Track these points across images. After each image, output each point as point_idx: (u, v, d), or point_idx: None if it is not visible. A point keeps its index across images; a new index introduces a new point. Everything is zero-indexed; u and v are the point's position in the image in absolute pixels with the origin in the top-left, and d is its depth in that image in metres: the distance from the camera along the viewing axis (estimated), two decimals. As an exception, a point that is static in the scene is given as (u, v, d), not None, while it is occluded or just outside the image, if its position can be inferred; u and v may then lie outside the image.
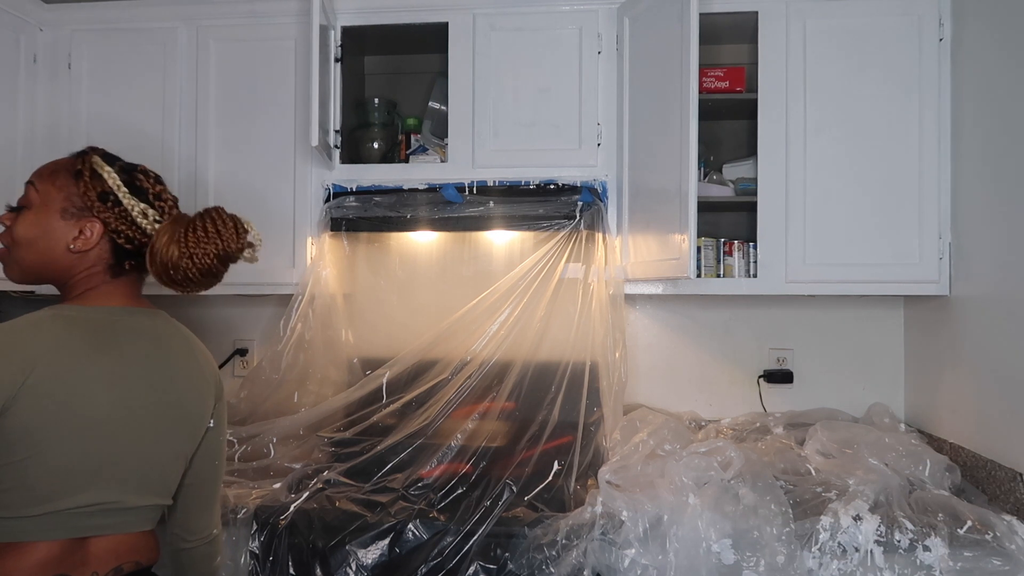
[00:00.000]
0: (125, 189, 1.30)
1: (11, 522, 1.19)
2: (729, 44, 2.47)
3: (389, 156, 2.44)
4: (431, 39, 2.38)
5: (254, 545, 1.88)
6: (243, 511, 1.91)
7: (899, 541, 1.70)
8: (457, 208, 2.19)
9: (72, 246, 1.29)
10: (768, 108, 2.18)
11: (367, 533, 1.84)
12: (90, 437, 1.23)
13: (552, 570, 1.77)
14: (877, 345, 2.48)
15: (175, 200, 1.36)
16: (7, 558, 1.18)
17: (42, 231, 1.29)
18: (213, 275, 1.31)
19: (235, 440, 2.31)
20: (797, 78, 2.17)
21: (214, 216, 1.30)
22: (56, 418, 1.19)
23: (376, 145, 2.41)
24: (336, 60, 2.31)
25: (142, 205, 1.31)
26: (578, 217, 2.15)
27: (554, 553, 1.78)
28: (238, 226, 1.32)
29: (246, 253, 1.34)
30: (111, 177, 1.30)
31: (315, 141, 2.10)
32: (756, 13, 2.19)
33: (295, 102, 2.31)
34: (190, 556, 1.45)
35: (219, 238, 1.29)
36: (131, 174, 1.33)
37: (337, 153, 2.32)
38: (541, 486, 1.99)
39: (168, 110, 2.36)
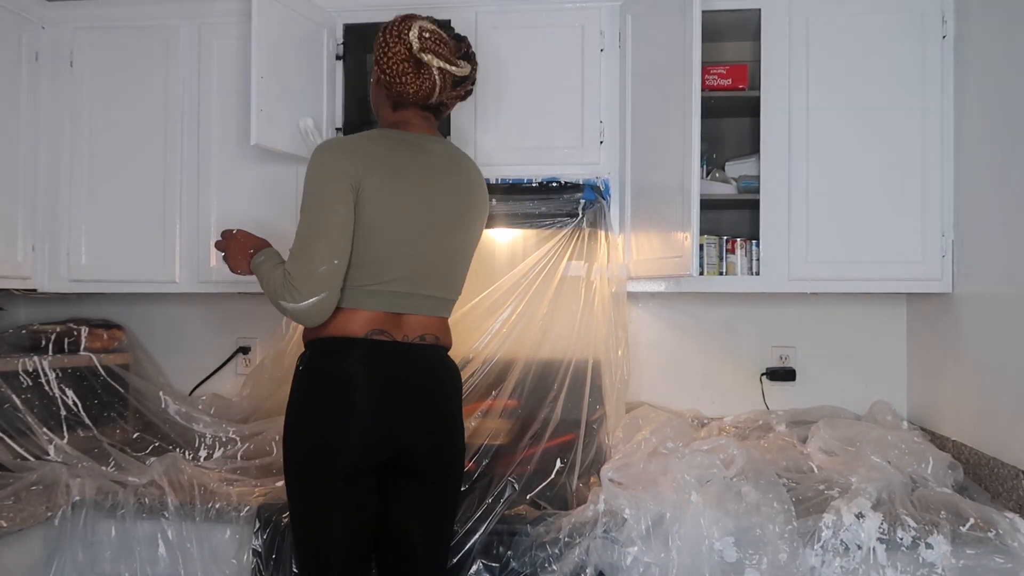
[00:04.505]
0: None
1: (356, 291, 1.65)
2: (732, 42, 2.46)
3: (391, 154, 2.44)
4: (433, 37, 2.37)
5: (257, 543, 1.88)
6: (246, 509, 1.92)
7: (902, 539, 1.70)
8: (459, 206, 2.18)
9: None
10: (771, 106, 2.18)
11: (370, 531, 1.83)
12: (404, 231, 1.66)
13: (554, 568, 1.77)
14: (880, 343, 2.47)
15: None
16: (347, 317, 1.65)
17: None
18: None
19: (237, 438, 2.31)
20: (800, 76, 2.17)
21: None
22: (381, 209, 1.63)
23: (378, 143, 2.42)
24: (338, 58, 2.31)
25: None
26: (580, 215, 2.14)
27: (556, 551, 1.78)
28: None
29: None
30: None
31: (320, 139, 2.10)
32: (759, 10, 2.19)
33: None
34: None
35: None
36: None
37: (339, 151, 2.31)
38: (543, 484, 1.99)
39: (171, 108, 2.36)
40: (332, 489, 1.60)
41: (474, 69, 1.79)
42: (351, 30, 2.33)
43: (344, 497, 1.61)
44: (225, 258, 1.83)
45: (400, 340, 1.67)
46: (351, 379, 1.61)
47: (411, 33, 1.65)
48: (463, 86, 1.77)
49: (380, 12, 2.30)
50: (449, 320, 1.80)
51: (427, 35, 1.67)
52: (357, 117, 2.44)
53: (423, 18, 1.70)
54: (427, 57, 1.65)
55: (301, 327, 2.24)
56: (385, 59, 1.66)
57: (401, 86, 1.67)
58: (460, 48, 1.76)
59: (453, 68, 1.70)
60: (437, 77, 1.68)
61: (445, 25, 1.77)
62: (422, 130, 1.76)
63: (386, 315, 1.66)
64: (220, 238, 1.86)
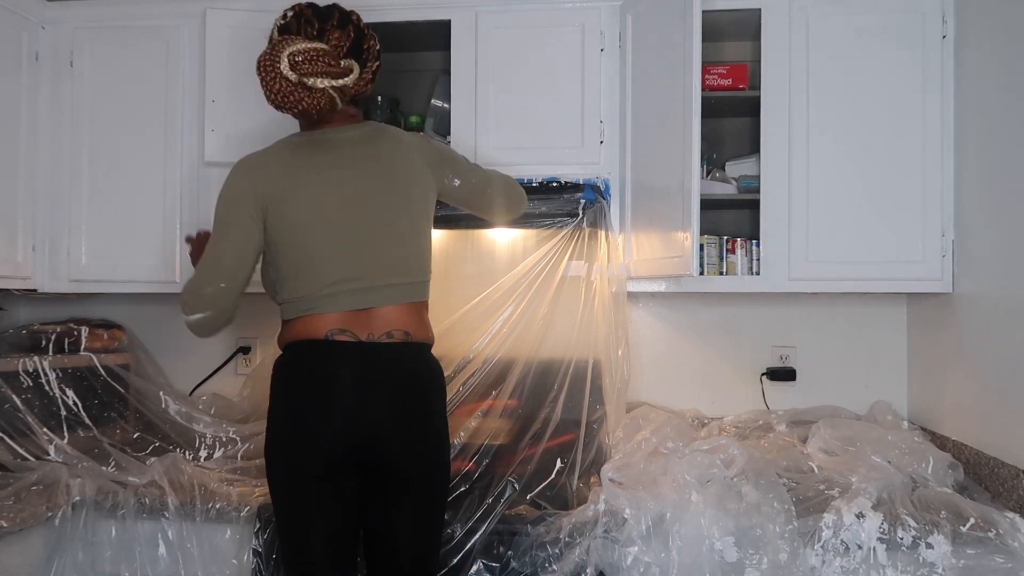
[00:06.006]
0: None
1: (304, 301, 1.63)
2: (732, 41, 2.46)
3: (391, 154, 2.43)
4: (434, 37, 2.37)
5: (257, 543, 1.88)
6: (246, 509, 1.91)
7: (902, 539, 1.70)
8: (459, 206, 2.18)
9: None
10: (771, 106, 2.18)
11: (370, 531, 1.83)
12: (328, 233, 1.63)
13: (555, 568, 1.77)
14: (880, 343, 2.48)
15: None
16: (309, 320, 1.63)
17: None
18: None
19: (237, 438, 2.31)
20: (800, 75, 2.17)
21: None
22: (298, 218, 1.63)
23: (378, 143, 2.42)
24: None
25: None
26: (581, 215, 2.14)
27: (557, 551, 1.78)
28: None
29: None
30: None
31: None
32: (759, 10, 2.19)
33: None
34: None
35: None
36: None
37: (339, 151, 2.31)
38: (544, 484, 1.99)
39: (171, 108, 2.36)
40: (300, 490, 1.62)
41: (368, 44, 1.72)
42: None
43: (315, 498, 1.61)
44: (190, 253, 1.91)
45: (364, 339, 1.63)
46: (307, 380, 1.62)
47: (282, 66, 1.59)
48: (364, 76, 1.71)
49: (372, 13, 2.31)
50: (439, 315, 1.79)
51: (300, 58, 1.60)
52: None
53: (290, 39, 1.62)
54: (310, 81, 1.60)
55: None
56: (271, 93, 1.62)
57: (298, 110, 1.64)
58: (341, 39, 1.68)
59: (342, 81, 1.64)
60: (332, 92, 1.63)
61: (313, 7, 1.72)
62: (340, 123, 1.73)
63: (348, 314, 1.63)
64: (193, 235, 1.93)
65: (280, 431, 1.64)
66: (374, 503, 1.68)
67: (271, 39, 1.70)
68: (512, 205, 1.97)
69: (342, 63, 1.66)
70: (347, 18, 1.72)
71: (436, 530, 1.74)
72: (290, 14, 1.72)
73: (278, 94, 1.61)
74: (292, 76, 1.59)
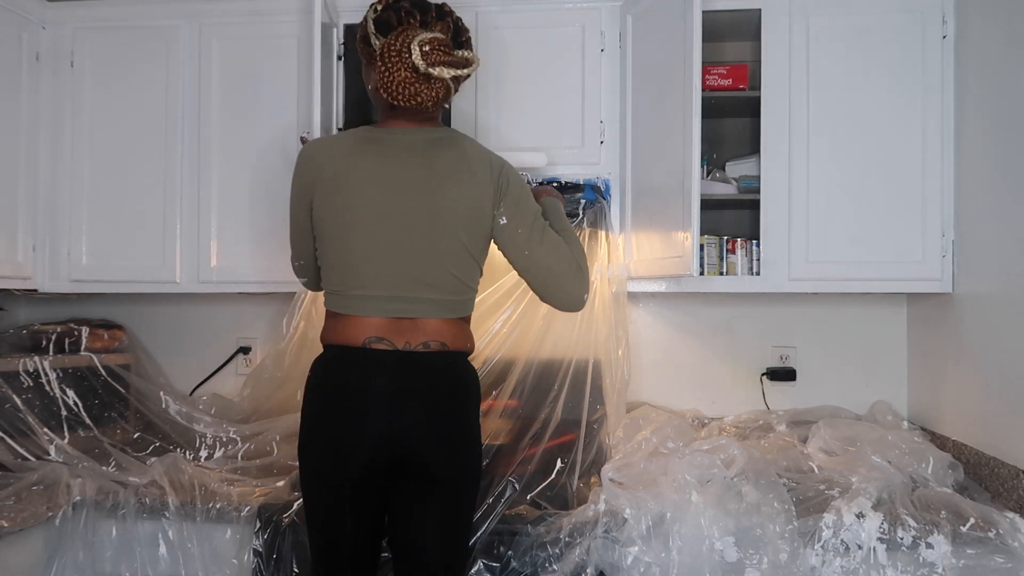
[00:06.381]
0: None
1: (341, 297, 1.62)
2: (732, 42, 2.46)
3: (391, 154, 2.43)
4: (433, 37, 2.37)
5: (257, 543, 1.88)
6: (246, 509, 1.92)
7: (902, 539, 1.70)
8: (460, 206, 2.18)
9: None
10: (771, 106, 2.18)
11: (370, 531, 1.83)
12: (364, 230, 1.59)
13: (555, 568, 1.77)
14: (880, 343, 2.48)
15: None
16: (347, 323, 1.61)
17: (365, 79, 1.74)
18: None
19: (238, 438, 2.31)
20: (800, 75, 2.17)
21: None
22: (338, 211, 1.60)
23: (379, 143, 2.41)
24: (339, 58, 2.31)
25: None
26: (581, 215, 2.14)
27: (557, 551, 1.78)
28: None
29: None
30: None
31: (318, 139, 2.09)
32: (759, 10, 2.19)
33: (298, 100, 2.31)
34: None
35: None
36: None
37: (340, 151, 2.31)
38: (544, 484, 1.98)
39: (171, 108, 2.36)
40: (333, 494, 1.61)
41: (465, 37, 1.69)
42: (352, 30, 2.33)
43: (347, 501, 1.61)
44: None
45: (401, 348, 1.60)
46: (343, 388, 1.60)
47: (413, 55, 1.54)
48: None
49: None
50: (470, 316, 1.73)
51: (427, 48, 1.55)
52: (357, 117, 2.44)
53: (412, 29, 1.58)
54: (436, 71, 1.55)
55: (302, 328, 2.26)
56: (390, 84, 1.56)
57: (413, 103, 1.58)
58: (459, 34, 1.67)
59: (465, 71, 1.60)
60: (451, 83, 1.60)
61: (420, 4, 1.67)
62: (416, 124, 1.66)
63: (386, 321, 1.60)
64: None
65: (315, 436, 1.62)
66: (405, 506, 1.65)
67: (365, 33, 1.65)
68: (546, 290, 1.70)
69: (456, 53, 1.61)
70: (442, 8, 1.67)
71: (465, 534, 1.71)
72: (379, 7, 1.65)
73: (398, 85, 1.55)
74: (422, 65, 1.53)
